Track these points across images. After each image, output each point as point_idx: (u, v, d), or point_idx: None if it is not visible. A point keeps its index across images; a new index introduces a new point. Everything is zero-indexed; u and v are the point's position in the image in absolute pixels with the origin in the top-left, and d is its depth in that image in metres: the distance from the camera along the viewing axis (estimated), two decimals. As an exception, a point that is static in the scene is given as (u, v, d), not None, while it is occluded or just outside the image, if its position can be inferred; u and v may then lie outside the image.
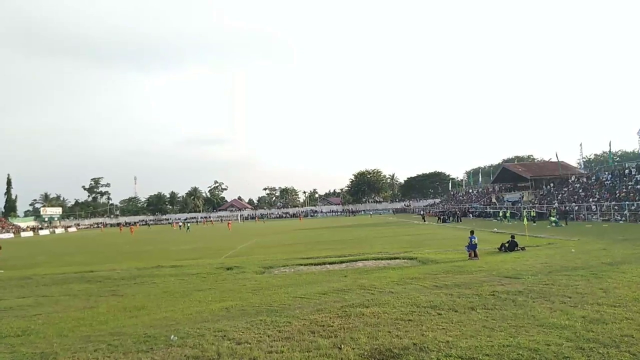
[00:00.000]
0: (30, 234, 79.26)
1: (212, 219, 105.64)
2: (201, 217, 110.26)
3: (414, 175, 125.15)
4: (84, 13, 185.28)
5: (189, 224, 63.34)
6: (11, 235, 74.12)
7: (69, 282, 14.62)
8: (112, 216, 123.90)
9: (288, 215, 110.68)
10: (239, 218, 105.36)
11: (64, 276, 16.18)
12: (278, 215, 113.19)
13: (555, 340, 5.63)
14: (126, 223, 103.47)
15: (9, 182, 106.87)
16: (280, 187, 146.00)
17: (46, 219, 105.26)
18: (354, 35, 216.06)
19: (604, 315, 6.75)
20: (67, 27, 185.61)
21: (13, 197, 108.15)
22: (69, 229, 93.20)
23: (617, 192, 39.38)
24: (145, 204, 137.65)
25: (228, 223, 65.12)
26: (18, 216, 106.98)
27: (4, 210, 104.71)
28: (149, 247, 31.67)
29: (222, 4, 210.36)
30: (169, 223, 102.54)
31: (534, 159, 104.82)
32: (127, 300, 10.88)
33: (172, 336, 6.70)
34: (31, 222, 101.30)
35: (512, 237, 17.97)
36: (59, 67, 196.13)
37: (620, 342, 5.50)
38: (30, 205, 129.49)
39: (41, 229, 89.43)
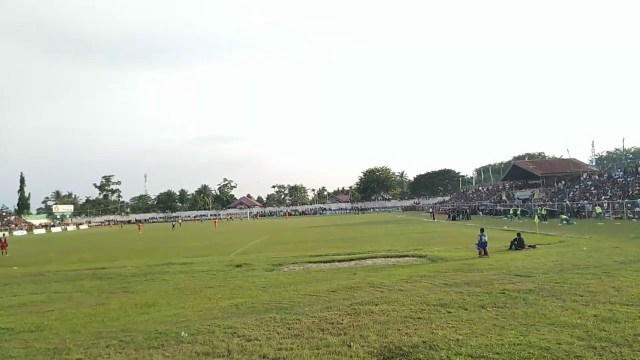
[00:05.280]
0: (43, 231, 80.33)
1: (220, 217, 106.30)
2: (186, 216, 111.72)
3: (423, 172, 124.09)
4: (94, 11, 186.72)
5: (174, 223, 65.80)
6: (24, 232, 75.38)
7: (81, 279, 14.81)
8: (122, 214, 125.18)
9: (297, 213, 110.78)
10: (248, 215, 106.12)
11: (76, 273, 16.41)
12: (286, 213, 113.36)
13: (566, 339, 5.57)
14: (136, 220, 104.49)
15: (22, 181, 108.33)
16: (289, 185, 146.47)
17: (58, 217, 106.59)
18: (364, 32, 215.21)
19: (616, 314, 6.67)
20: (78, 26, 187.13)
21: (26, 195, 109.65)
22: (81, 226, 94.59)
23: (629, 189, 38.78)
24: (156, 202, 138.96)
25: (215, 221, 72.98)
26: (31, 213, 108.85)
27: (17, 208, 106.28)
28: (159, 244, 31.97)
29: (231, 1, 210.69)
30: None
31: (545, 156, 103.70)
32: (138, 297, 10.99)
33: (182, 333, 6.77)
34: (44, 220, 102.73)
35: (518, 234, 17.77)
36: (70, 65, 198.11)
37: (633, 342, 5.43)
38: (43, 202, 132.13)
39: (53, 226, 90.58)
